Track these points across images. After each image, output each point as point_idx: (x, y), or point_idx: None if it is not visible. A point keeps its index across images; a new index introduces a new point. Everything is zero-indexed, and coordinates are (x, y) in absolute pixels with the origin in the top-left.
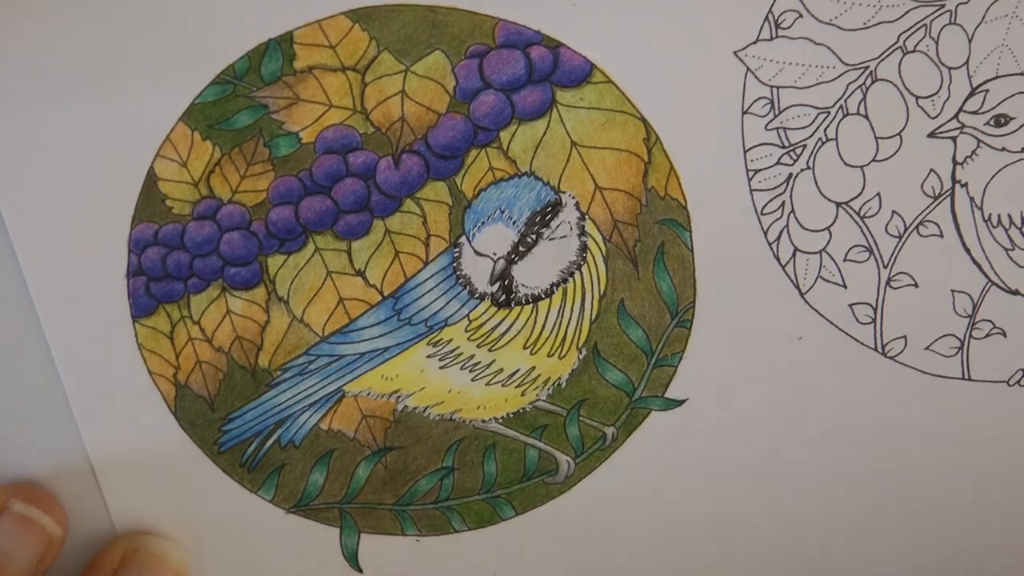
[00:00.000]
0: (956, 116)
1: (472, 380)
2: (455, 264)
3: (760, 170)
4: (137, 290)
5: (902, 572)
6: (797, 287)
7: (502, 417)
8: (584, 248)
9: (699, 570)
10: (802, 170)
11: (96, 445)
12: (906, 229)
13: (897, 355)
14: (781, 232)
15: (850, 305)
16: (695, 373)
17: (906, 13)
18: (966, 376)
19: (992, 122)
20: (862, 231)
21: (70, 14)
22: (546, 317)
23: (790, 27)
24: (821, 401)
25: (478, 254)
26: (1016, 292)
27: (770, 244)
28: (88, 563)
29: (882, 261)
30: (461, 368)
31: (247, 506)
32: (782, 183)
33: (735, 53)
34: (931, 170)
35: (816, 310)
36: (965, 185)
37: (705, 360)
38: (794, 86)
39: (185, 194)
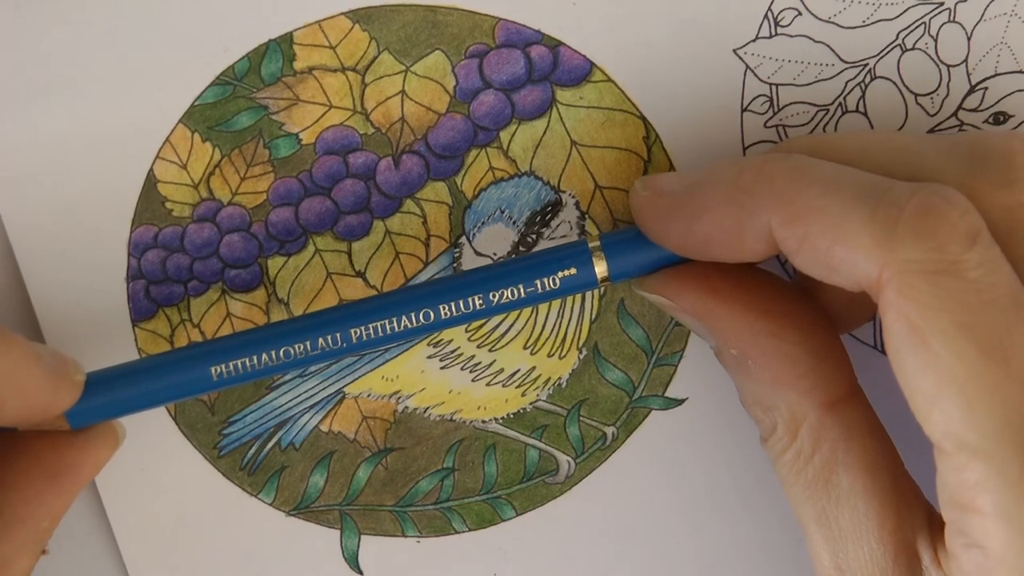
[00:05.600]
0: (955, 114)
1: (472, 380)
2: (455, 264)
3: None
4: (137, 294)
5: None
6: None
7: (502, 417)
8: None
9: (700, 570)
10: None
11: None
12: None
13: None
14: None
15: None
16: (695, 372)
17: (905, 11)
18: None
19: (991, 120)
20: None
21: (69, 15)
22: (546, 317)
23: (789, 25)
24: None
25: (478, 254)
26: None
27: None
28: None
29: None
30: (462, 369)
31: (247, 510)
32: None
33: (734, 51)
34: None
35: None
36: None
37: (705, 359)
38: (793, 84)
39: (185, 196)
